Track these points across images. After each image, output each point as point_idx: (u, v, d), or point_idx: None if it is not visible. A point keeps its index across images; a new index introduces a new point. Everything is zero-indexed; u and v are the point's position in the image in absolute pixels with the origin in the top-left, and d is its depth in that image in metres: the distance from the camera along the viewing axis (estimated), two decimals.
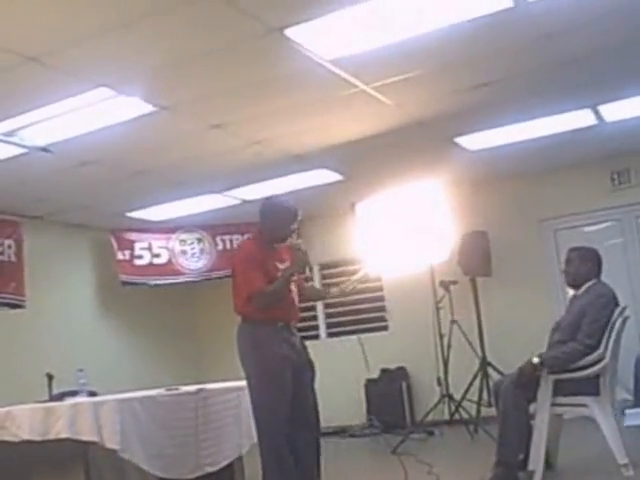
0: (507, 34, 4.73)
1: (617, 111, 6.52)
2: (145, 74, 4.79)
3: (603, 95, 6.09)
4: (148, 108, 5.31)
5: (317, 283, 9.61)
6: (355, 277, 5.11)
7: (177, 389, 5.07)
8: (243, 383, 5.41)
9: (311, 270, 4.78)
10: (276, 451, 4.45)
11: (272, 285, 4.48)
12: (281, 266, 4.60)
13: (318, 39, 4.53)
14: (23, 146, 5.83)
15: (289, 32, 4.37)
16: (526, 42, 4.89)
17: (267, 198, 4.89)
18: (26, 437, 4.48)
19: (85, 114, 5.28)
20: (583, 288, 4.93)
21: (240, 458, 5.37)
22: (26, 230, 7.90)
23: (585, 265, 4.97)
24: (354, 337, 9.15)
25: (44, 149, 5.91)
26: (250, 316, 4.55)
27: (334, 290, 5.07)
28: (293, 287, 4.68)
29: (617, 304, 4.83)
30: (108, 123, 5.49)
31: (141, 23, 4.11)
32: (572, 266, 5.03)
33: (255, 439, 4.76)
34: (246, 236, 9.07)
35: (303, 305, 5.06)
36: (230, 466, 5.20)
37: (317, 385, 4.75)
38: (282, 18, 4.23)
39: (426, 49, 4.79)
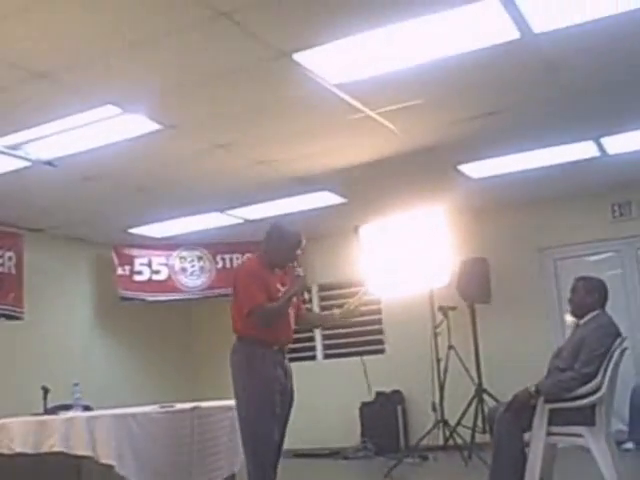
0: (513, 65, 4.77)
1: (620, 144, 6.55)
2: (152, 93, 4.82)
3: (606, 127, 6.13)
4: (154, 126, 5.34)
5: (316, 305, 9.62)
6: (356, 297, 5.10)
7: (172, 406, 5.07)
8: None
9: (309, 293, 4.84)
10: (263, 470, 4.47)
11: (273, 304, 4.51)
12: (282, 288, 4.63)
13: (326, 64, 4.57)
14: (28, 159, 5.86)
15: (298, 56, 4.41)
16: (531, 73, 4.94)
17: (276, 221, 4.93)
18: (19, 450, 4.48)
19: (91, 130, 5.31)
20: (587, 318, 4.93)
21: (232, 476, 5.36)
22: (27, 242, 7.91)
23: (591, 296, 4.96)
24: (351, 359, 9.20)
25: (49, 163, 5.94)
26: (247, 335, 4.56)
27: (336, 312, 5.06)
28: (290, 311, 4.70)
29: (619, 335, 4.84)
30: (113, 140, 5.52)
31: (150, 43, 4.15)
32: (577, 296, 5.02)
33: None
34: (246, 255, 9.10)
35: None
36: None
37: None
38: (292, 42, 4.27)
39: (432, 77, 4.83)
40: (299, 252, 4.70)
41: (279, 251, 4.65)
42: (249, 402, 4.49)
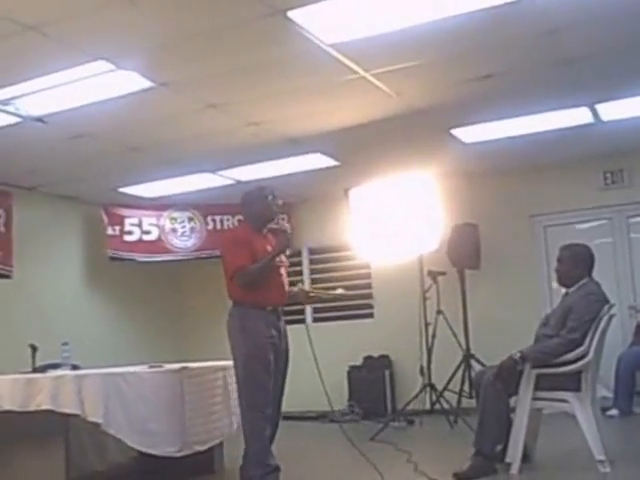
0: (509, 28, 4.73)
1: (614, 110, 6.53)
2: (145, 50, 4.76)
3: (601, 94, 6.10)
4: (146, 84, 5.28)
5: (306, 267, 9.65)
6: (331, 292, 5.40)
7: (160, 366, 5.08)
8: (229, 363, 5.45)
9: (292, 251, 5.01)
10: (259, 431, 4.57)
11: (255, 264, 4.61)
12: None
13: (321, 23, 4.51)
14: (18, 115, 5.79)
15: (292, 14, 4.34)
16: (528, 37, 4.89)
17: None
18: (7, 407, 4.48)
19: (82, 86, 5.24)
20: (575, 286, 4.95)
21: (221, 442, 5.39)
22: (17, 201, 7.86)
23: (577, 267, 4.97)
24: (340, 323, 9.23)
25: (39, 119, 5.88)
26: (240, 299, 4.68)
27: (301, 290, 5.23)
28: (283, 272, 4.83)
29: (607, 302, 4.86)
30: (105, 97, 5.46)
31: None
32: (564, 266, 5.04)
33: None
34: (237, 217, 9.11)
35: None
36: (210, 448, 5.22)
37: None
38: None
39: (428, 39, 4.78)
40: (271, 200, 4.78)
41: (255, 208, 4.78)
42: (244, 362, 4.61)
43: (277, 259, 4.75)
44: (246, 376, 4.61)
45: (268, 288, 4.68)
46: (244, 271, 4.59)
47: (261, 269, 4.63)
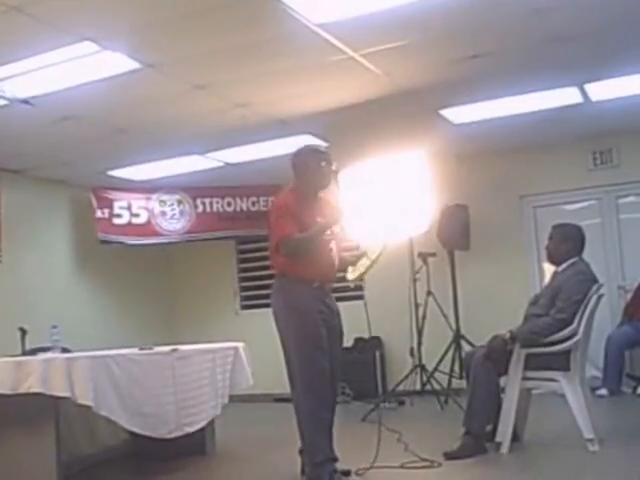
0: (499, 7, 4.70)
1: (603, 90, 6.52)
2: (131, 30, 4.72)
3: (590, 74, 6.09)
4: (133, 65, 5.22)
5: None
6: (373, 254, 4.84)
7: (151, 348, 5.09)
8: (217, 346, 5.47)
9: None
10: (318, 416, 4.34)
11: (303, 233, 4.30)
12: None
13: (309, 2, 4.48)
14: (4, 98, 5.74)
15: None
16: (517, 16, 4.86)
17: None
18: None
19: (68, 68, 5.19)
20: (564, 265, 4.98)
21: (211, 420, 5.40)
22: (4, 184, 7.81)
23: (565, 244, 5.00)
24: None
25: (25, 102, 5.82)
26: (284, 273, 4.41)
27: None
28: (334, 246, 4.52)
29: (596, 282, 4.89)
30: (91, 78, 5.40)
31: None
32: (552, 244, 5.08)
33: (227, 400, 5.14)
34: (226, 200, 9.10)
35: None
36: (201, 430, 5.23)
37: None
38: None
39: (417, 18, 4.75)
40: (325, 166, 4.50)
41: (305, 175, 4.49)
42: (296, 341, 4.31)
43: (327, 232, 4.42)
44: (300, 356, 4.29)
45: (315, 263, 4.34)
46: (289, 239, 4.25)
47: (308, 240, 4.30)
